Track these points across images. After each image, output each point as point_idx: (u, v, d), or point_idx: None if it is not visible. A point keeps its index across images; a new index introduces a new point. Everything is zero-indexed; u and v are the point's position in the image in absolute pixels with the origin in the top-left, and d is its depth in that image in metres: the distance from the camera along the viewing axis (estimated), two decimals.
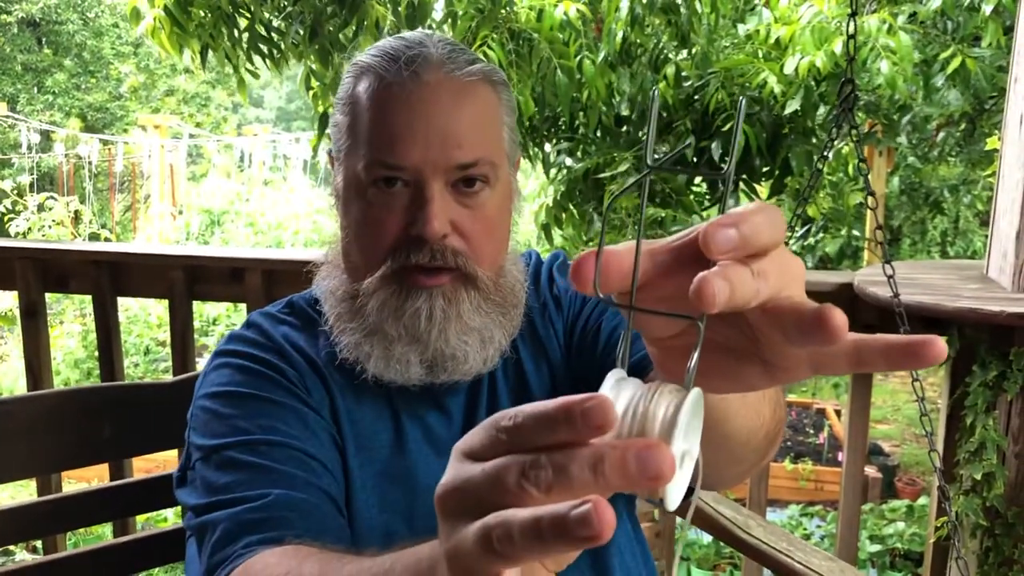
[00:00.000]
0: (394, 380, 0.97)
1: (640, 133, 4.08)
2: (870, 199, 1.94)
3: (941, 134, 7.40)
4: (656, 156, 0.47)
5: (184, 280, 2.54)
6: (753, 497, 2.23)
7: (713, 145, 3.90)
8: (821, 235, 4.40)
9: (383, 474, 0.98)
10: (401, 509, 0.98)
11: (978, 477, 1.92)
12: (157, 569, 3.35)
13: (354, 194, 0.96)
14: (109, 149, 13.21)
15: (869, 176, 5.37)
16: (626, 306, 0.47)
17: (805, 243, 4.23)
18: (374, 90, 0.94)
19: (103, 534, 4.01)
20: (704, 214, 4.09)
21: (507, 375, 1.06)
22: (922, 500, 4.74)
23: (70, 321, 7.00)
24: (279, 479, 0.87)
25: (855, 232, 4.73)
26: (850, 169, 4.59)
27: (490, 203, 0.96)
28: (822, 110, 4.07)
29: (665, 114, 4.04)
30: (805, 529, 4.64)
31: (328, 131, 1.06)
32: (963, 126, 7.19)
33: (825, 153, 2.12)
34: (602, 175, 3.83)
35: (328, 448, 0.95)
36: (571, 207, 4.09)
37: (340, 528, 0.89)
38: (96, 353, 2.72)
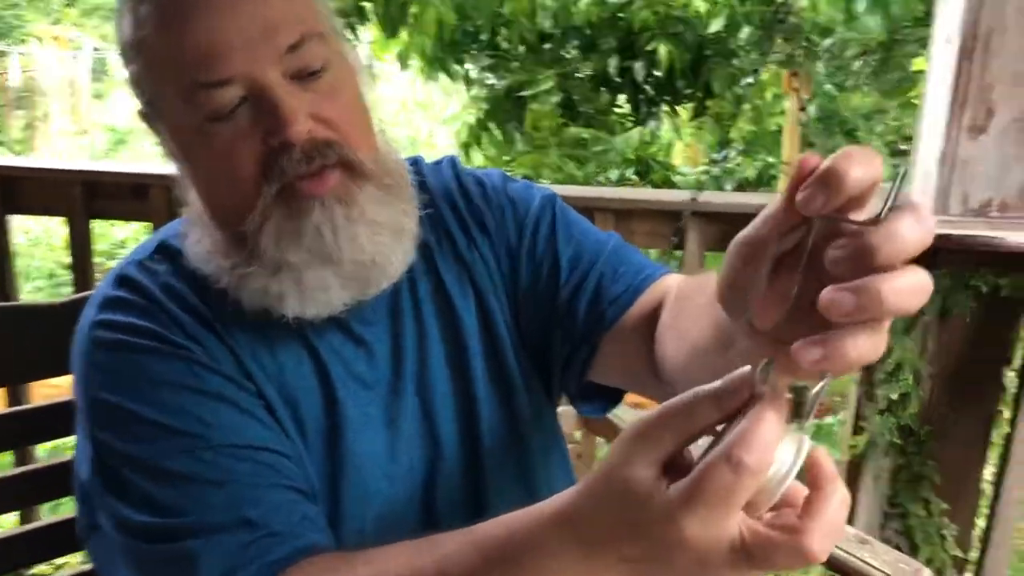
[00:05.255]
0: (319, 313, 0.85)
1: (563, 51, 3.99)
2: (801, 115, 1.91)
3: (858, 63, 7.47)
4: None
5: (82, 196, 2.40)
6: None
7: (637, 65, 3.84)
8: (740, 159, 4.42)
9: (317, 419, 0.88)
10: (341, 450, 0.90)
11: (894, 397, 1.95)
12: (66, 498, 3.23)
13: (191, 139, 0.82)
14: (3, 61, 12.50)
15: (788, 103, 5.39)
16: None
17: (726, 167, 4.24)
18: (161, 14, 0.79)
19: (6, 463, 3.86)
20: (624, 136, 4.05)
21: (434, 300, 0.96)
22: (829, 419, 4.86)
23: None
24: (239, 492, 0.77)
25: (770, 159, 4.76)
26: (767, 95, 4.59)
27: (338, 82, 0.83)
28: (745, 31, 4.04)
29: (588, 32, 3.96)
30: None
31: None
32: (878, 55, 7.27)
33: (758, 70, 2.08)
34: (524, 93, 3.75)
35: (268, 425, 0.84)
36: (493, 126, 4.00)
37: (317, 515, 0.81)
38: None
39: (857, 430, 2.17)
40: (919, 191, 2.01)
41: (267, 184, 0.80)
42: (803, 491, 0.52)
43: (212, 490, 0.77)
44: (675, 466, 0.53)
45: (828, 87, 7.68)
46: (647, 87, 4.07)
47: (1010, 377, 2.07)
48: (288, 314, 0.84)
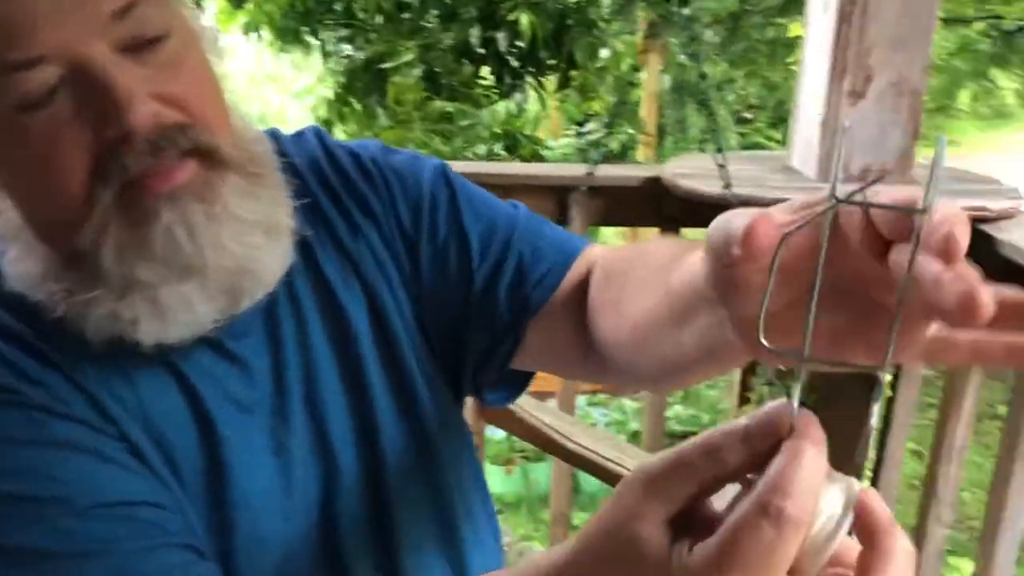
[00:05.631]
0: (183, 336, 0.70)
1: (423, 21, 3.86)
2: (699, 80, 1.87)
3: (709, 32, 7.64)
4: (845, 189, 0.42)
5: None
6: (561, 399, 2.17)
7: (499, 35, 3.75)
8: (605, 131, 4.39)
9: (193, 457, 0.73)
10: (226, 490, 0.76)
11: (783, 368, 1.94)
12: None
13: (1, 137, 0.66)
14: None
15: (643, 73, 5.43)
16: (799, 358, 0.43)
17: (590, 139, 4.21)
18: None
19: None
20: (490, 109, 3.96)
21: (316, 301, 0.81)
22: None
23: None
24: (119, 562, 0.63)
25: (630, 130, 4.77)
26: (623, 66, 4.58)
27: (182, 51, 0.68)
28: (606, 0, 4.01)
29: (448, 1, 3.84)
30: (592, 419, 4.75)
31: None
32: (727, 26, 7.46)
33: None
34: (385, 65, 3.60)
35: (138, 473, 0.70)
36: (353, 101, 3.83)
37: (213, 574, 0.69)
38: None
39: (743, 401, 2.17)
40: (800, 158, 2.00)
41: (103, 186, 0.63)
42: (854, 547, 0.44)
43: (83, 564, 0.63)
44: (695, 521, 0.43)
45: (681, 58, 7.83)
46: (510, 58, 3.99)
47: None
48: (145, 341, 0.68)
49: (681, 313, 0.59)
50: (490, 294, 0.83)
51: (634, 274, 0.72)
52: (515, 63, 4.01)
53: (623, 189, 2.07)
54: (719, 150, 1.45)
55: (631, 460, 1.43)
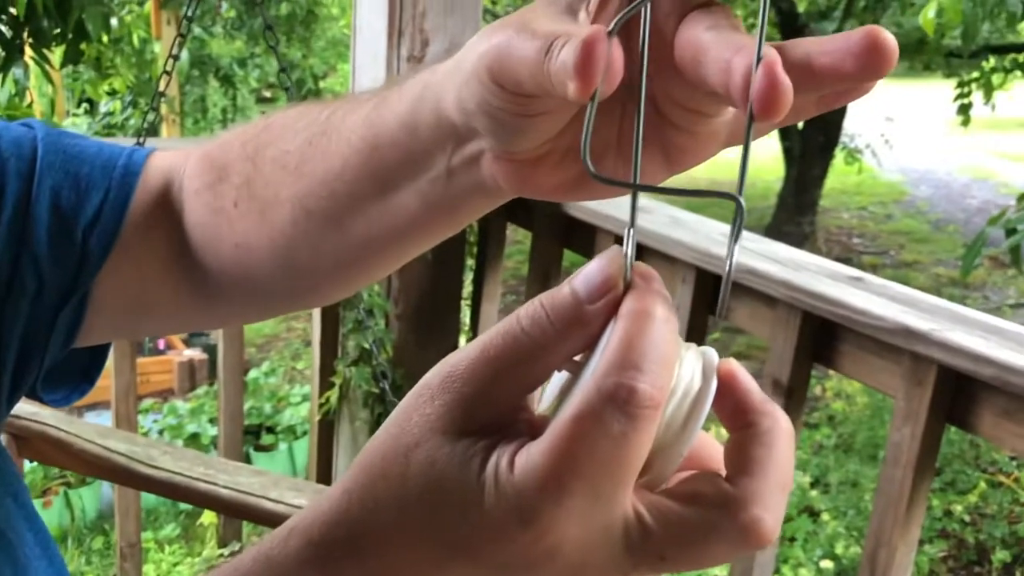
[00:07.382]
0: None
1: None
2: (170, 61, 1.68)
3: (224, 5, 7.33)
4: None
5: None
6: (120, 412, 1.90)
7: None
8: (130, 110, 3.96)
9: None
10: None
11: (367, 345, 1.86)
12: None
13: None
14: None
15: (159, 47, 5.02)
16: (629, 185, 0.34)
17: (112, 121, 3.77)
18: None
19: None
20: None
21: None
22: (252, 374, 4.69)
23: None
24: None
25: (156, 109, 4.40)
26: (135, 40, 4.19)
27: None
28: None
29: None
30: (143, 428, 4.34)
31: None
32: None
33: None
34: None
35: None
36: None
37: None
38: None
39: (325, 386, 2.06)
40: None
41: None
42: (710, 441, 0.34)
43: None
44: (512, 430, 0.32)
45: (198, 31, 7.42)
46: (2, 27, 3.41)
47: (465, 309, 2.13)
48: None
49: (399, 169, 0.49)
50: (23, 255, 0.60)
51: (272, 154, 0.57)
52: (8, 33, 3.43)
53: None
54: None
55: (224, 475, 1.25)
